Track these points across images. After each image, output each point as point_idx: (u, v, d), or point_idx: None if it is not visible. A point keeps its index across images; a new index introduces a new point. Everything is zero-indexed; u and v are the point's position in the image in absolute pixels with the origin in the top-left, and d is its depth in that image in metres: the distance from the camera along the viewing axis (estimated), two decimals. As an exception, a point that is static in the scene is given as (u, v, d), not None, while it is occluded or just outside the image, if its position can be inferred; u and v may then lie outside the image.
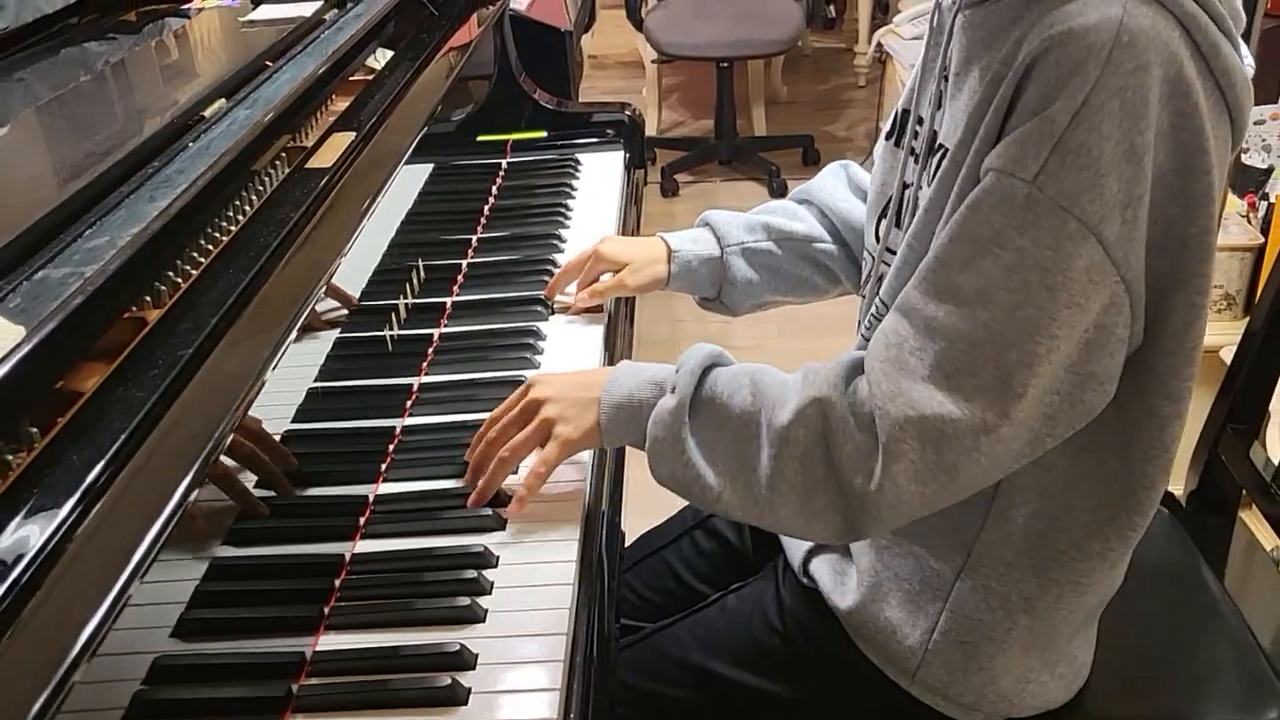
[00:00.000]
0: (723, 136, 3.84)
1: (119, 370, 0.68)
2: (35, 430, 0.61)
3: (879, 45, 3.52)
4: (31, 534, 0.54)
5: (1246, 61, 0.82)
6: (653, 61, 3.97)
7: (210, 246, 0.85)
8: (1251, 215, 1.97)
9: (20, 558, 0.52)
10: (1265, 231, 1.90)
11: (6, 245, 0.69)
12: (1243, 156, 2.04)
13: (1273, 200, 1.92)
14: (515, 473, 0.99)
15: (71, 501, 0.56)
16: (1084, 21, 0.74)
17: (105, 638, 0.51)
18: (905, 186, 0.94)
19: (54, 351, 0.63)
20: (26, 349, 0.60)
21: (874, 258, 0.99)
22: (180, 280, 0.79)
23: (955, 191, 0.81)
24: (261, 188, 0.95)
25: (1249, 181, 2.04)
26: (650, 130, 4.09)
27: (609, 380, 0.95)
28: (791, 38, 3.62)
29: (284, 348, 0.75)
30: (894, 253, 0.91)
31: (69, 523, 0.55)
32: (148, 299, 0.75)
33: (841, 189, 1.20)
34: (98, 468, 0.59)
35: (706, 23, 3.64)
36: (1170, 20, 0.76)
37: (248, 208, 0.91)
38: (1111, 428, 0.86)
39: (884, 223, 0.98)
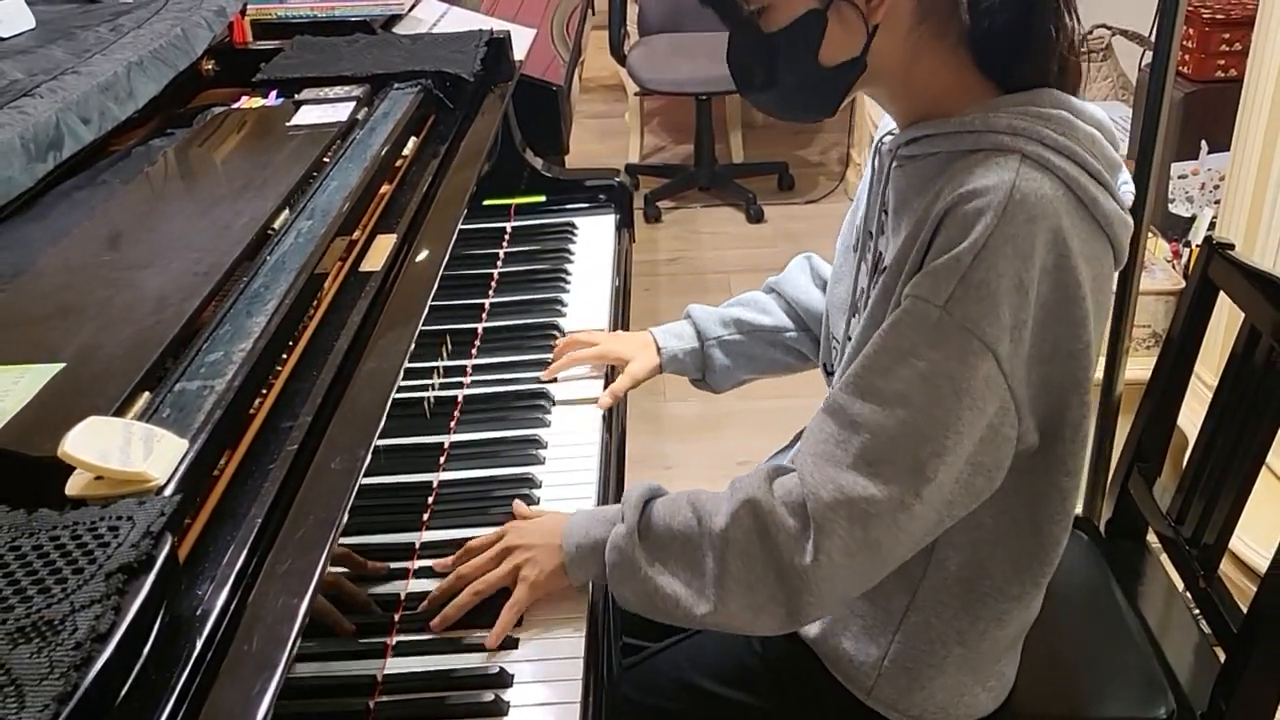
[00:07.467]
0: (702, 164, 4.03)
1: (243, 464, 0.88)
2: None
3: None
4: (215, 601, 0.73)
5: (1126, 189, 0.99)
6: (635, 94, 4.15)
7: (292, 344, 1.04)
8: (1175, 262, 2.17)
9: (209, 620, 0.72)
10: (1188, 276, 2.11)
11: (153, 365, 0.89)
12: (1169, 206, 2.24)
13: (1194, 246, 2.13)
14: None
15: (233, 576, 0.76)
16: (985, 183, 0.91)
17: (285, 681, 0.71)
18: (861, 292, 1.11)
19: (203, 457, 0.82)
20: (190, 457, 0.79)
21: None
22: (272, 380, 0.99)
23: (890, 307, 0.97)
24: (324, 289, 1.14)
25: (1175, 229, 2.24)
26: (633, 157, 4.28)
27: (568, 525, 1.08)
28: (766, 73, 3.79)
29: (374, 437, 0.94)
30: None
31: (240, 589, 0.75)
32: (255, 401, 0.95)
33: (804, 280, 1.39)
34: (247, 547, 0.78)
35: (686, 59, 3.82)
36: (1055, 181, 0.92)
37: (316, 309, 1.10)
38: (1027, 499, 1.03)
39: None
